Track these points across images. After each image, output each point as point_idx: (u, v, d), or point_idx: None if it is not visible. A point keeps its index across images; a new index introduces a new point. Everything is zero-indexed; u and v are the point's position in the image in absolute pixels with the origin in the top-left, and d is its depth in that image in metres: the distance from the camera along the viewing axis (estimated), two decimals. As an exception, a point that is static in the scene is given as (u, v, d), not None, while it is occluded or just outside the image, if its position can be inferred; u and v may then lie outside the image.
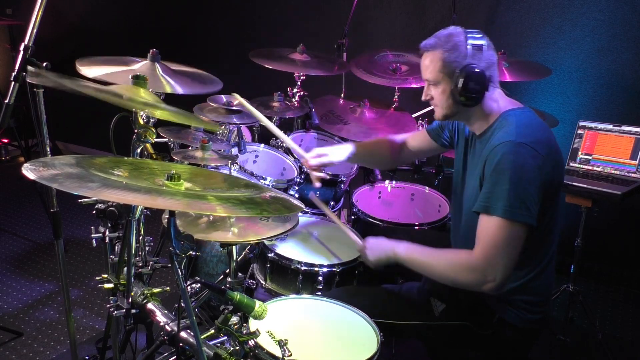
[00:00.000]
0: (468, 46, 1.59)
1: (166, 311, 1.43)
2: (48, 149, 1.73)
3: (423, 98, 1.76)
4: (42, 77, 1.26)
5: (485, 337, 1.67)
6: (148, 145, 1.50)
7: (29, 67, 1.41)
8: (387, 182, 2.71)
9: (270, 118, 2.66)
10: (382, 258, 1.73)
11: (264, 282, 1.95)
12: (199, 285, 1.85)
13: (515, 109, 1.66)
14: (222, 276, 2.04)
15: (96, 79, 1.72)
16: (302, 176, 2.45)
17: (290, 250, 1.95)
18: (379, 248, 1.74)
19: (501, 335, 1.66)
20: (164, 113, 1.29)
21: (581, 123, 2.64)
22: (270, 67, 2.66)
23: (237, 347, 1.30)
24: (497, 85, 1.68)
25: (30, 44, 1.61)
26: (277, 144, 2.67)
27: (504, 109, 1.65)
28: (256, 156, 2.64)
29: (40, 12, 1.61)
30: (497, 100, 1.67)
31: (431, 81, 1.68)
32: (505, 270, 1.50)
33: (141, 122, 1.42)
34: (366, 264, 1.79)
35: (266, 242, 1.95)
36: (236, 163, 2.23)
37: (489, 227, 1.51)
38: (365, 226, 2.28)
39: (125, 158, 1.31)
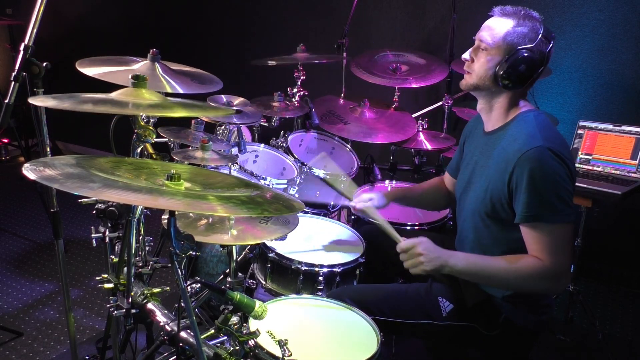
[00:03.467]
0: (540, 35, 1.57)
1: (166, 311, 1.43)
2: (48, 149, 1.73)
3: (463, 57, 1.70)
4: (42, 100, 1.27)
5: (490, 338, 1.67)
6: (148, 145, 1.49)
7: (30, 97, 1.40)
8: (387, 182, 2.71)
9: (270, 118, 2.67)
10: (438, 268, 1.58)
11: (264, 282, 1.95)
12: (199, 285, 1.85)
13: (532, 110, 1.65)
14: (222, 276, 2.04)
15: (96, 77, 1.71)
16: (302, 176, 2.45)
17: (290, 250, 1.95)
18: (435, 255, 1.58)
19: (505, 336, 1.66)
20: (176, 110, 1.28)
21: (581, 123, 2.64)
22: (270, 67, 2.66)
23: (237, 347, 1.30)
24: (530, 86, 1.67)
25: (30, 44, 1.61)
26: (277, 144, 2.67)
27: (523, 109, 1.65)
28: (256, 156, 2.64)
29: (40, 12, 1.61)
30: (523, 99, 1.66)
31: (486, 44, 1.61)
32: (570, 265, 1.56)
33: (141, 122, 1.42)
34: (411, 270, 1.61)
35: (267, 243, 1.95)
36: (236, 163, 2.23)
37: (547, 234, 1.51)
38: (366, 226, 2.28)
39: (126, 158, 1.31)
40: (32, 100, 1.29)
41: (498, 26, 1.60)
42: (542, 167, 1.49)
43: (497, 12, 1.63)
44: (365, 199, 1.97)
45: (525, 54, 1.56)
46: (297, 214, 1.86)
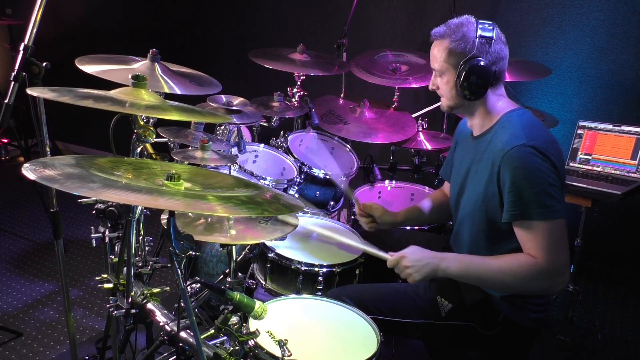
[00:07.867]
0: (477, 38, 1.59)
1: (166, 311, 1.43)
2: (48, 149, 1.73)
3: (430, 87, 1.77)
4: (41, 91, 1.26)
5: (488, 337, 1.67)
6: (148, 145, 1.49)
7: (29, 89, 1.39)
8: (387, 182, 2.71)
9: (270, 118, 2.67)
10: (429, 274, 1.60)
11: (264, 282, 1.95)
12: (199, 285, 1.85)
13: (516, 109, 1.66)
14: (222, 276, 2.04)
15: (96, 74, 1.71)
16: (302, 176, 2.45)
17: (290, 250, 1.95)
18: (422, 263, 1.61)
19: (504, 335, 1.67)
20: (172, 113, 1.28)
21: (581, 123, 2.64)
22: (270, 67, 2.66)
23: (237, 347, 1.30)
24: (503, 81, 1.67)
25: (30, 44, 1.61)
26: (277, 144, 2.67)
27: (506, 110, 1.65)
28: (256, 156, 2.64)
29: (40, 12, 1.61)
30: (500, 99, 1.67)
31: (437, 71, 1.68)
32: (568, 264, 1.52)
33: (141, 122, 1.42)
34: (407, 279, 1.64)
35: (267, 243, 1.95)
36: (236, 163, 2.23)
37: (539, 231, 1.51)
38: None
39: (126, 158, 1.31)
40: (30, 91, 1.28)
41: (439, 50, 1.65)
42: (524, 165, 1.50)
43: (434, 35, 1.67)
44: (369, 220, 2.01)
45: (470, 65, 1.58)
46: (297, 214, 1.86)
